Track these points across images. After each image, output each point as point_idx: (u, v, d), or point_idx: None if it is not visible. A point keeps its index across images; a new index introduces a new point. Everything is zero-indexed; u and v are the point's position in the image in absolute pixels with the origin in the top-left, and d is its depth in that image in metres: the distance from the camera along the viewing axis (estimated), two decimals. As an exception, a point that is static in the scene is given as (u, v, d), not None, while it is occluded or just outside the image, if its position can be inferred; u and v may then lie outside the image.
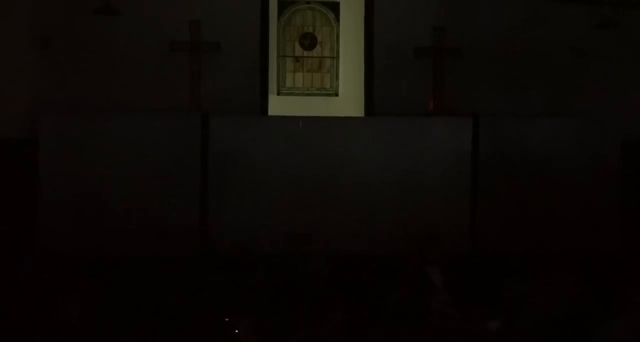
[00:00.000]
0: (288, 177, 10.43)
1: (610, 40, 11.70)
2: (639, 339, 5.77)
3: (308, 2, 12.50)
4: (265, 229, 10.22)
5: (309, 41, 12.55)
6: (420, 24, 11.81)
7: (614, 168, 10.77)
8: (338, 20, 12.52)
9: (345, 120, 11.08)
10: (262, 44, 11.71)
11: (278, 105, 12.01)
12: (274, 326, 6.68)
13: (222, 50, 11.47)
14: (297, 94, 12.52)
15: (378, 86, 11.80)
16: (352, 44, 12.33)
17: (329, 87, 12.61)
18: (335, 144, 10.57)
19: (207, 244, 10.20)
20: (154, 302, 7.59)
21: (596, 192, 10.70)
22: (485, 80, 11.82)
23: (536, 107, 11.71)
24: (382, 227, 10.39)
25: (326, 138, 10.57)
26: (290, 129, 10.53)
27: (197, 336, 6.71)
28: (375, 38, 11.87)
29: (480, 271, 9.45)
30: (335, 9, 12.52)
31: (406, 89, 11.63)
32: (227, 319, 6.27)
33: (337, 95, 12.59)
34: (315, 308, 7.30)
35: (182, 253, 9.85)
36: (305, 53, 12.55)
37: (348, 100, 12.35)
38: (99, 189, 10.15)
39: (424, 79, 11.78)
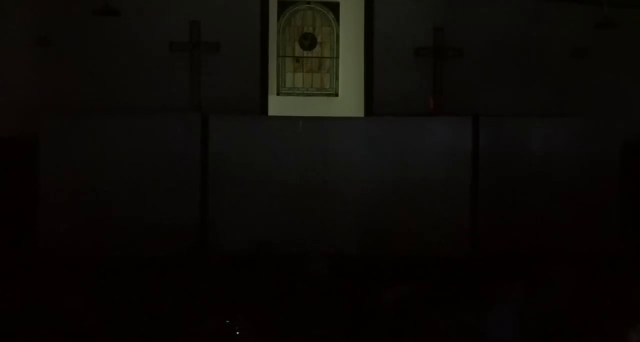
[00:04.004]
0: (288, 177, 10.42)
1: (610, 40, 11.70)
2: (639, 339, 5.77)
3: (308, 2, 12.50)
4: (265, 228, 10.21)
5: (309, 41, 12.55)
6: (420, 24, 11.82)
7: (614, 168, 10.76)
8: (338, 20, 12.52)
9: (345, 120, 11.08)
10: (262, 44, 11.72)
11: (278, 105, 12.02)
12: (274, 326, 6.68)
13: (222, 50, 11.48)
14: (297, 94, 12.53)
15: (378, 86, 11.81)
16: (352, 44, 12.33)
17: (329, 87, 12.61)
18: (335, 144, 10.56)
19: (207, 244, 10.20)
20: (154, 302, 7.59)
21: (596, 192, 10.69)
22: (485, 80, 11.83)
23: (536, 107, 11.71)
24: (381, 227, 10.38)
25: (326, 138, 10.57)
26: (290, 129, 10.52)
27: (197, 336, 6.70)
28: (375, 38, 11.88)
29: (480, 271, 9.44)
30: (335, 9, 12.52)
31: (406, 89, 11.63)
32: (227, 321, 6.27)
33: (337, 95, 12.59)
34: (315, 308, 7.31)
35: (182, 253, 9.84)
36: (305, 53, 12.56)
37: (348, 100, 12.35)
38: (98, 189, 10.15)
39: (424, 79, 11.79)
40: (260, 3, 11.71)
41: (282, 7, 12.39)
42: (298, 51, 12.56)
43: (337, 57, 12.57)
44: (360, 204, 10.48)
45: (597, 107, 11.71)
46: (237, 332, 6.09)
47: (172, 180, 10.27)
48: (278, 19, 12.36)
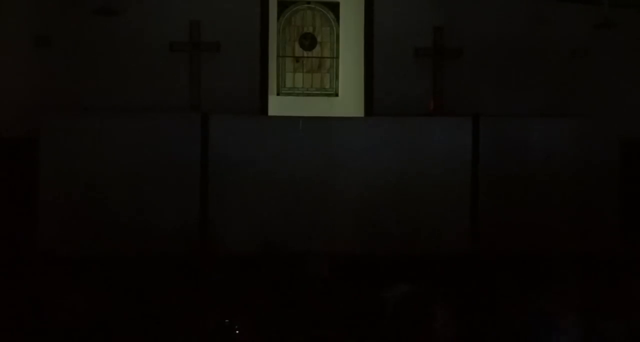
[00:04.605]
0: (288, 177, 10.43)
1: (610, 40, 11.71)
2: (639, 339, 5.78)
3: (308, 2, 12.50)
4: (265, 228, 10.21)
5: (308, 41, 12.55)
6: (420, 24, 11.81)
7: (614, 168, 10.76)
8: (338, 20, 12.52)
9: (345, 120, 11.08)
10: (262, 44, 11.71)
11: (278, 105, 12.01)
12: (274, 326, 6.68)
13: (222, 50, 11.47)
14: (297, 94, 12.52)
15: (378, 86, 11.81)
16: (352, 44, 12.33)
17: (329, 87, 12.61)
18: (335, 144, 10.57)
19: (207, 244, 10.20)
20: (153, 302, 7.59)
21: (596, 192, 10.70)
22: (485, 80, 11.83)
23: (536, 107, 11.71)
24: (382, 227, 10.38)
25: (326, 138, 10.57)
26: (290, 129, 10.52)
27: (196, 336, 6.71)
28: (375, 38, 11.87)
29: (480, 272, 9.44)
30: (335, 9, 12.52)
31: (406, 89, 11.63)
32: (227, 320, 6.27)
33: (337, 95, 12.59)
34: (316, 308, 7.31)
35: (182, 253, 9.84)
36: (305, 53, 12.55)
37: (348, 100, 12.35)
38: (98, 189, 10.15)
39: (424, 79, 11.79)
40: (260, 3, 11.70)
41: (282, 7, 12.39)
42: (298, 51, 12.56)
43: (337, 57, 12.57)
44: (360, 204, 10.49)
45: (597, 107, 11.71)
46: (237, 332, 6.09)
47: (172, 180, 10.28)
48: (278, 19, 12.35)
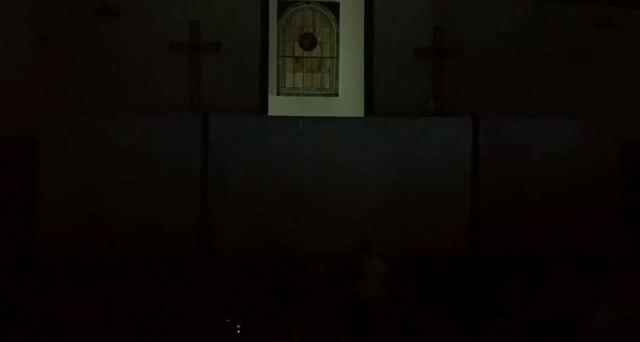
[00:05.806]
0: (288, 177, 10.42)
1: (610, 40, 11.71)
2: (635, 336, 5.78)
3: (308, 2, 12.50)
4: (265, 228, 10.21)
5: (309, 41, 12.55)
6: (420, 24, 11.82)
7: (614, 168, 10.76)
8: (338, 20, 12.52)
9: (345, 120, 11.08)
10: (262, 44, 11.72)
11: (278, 105, 12.02)
12: (273, 326, 6.68)
13: (222, 50, 11.48)
14: (297, 94, 12.53)
15: (378, 86, 11.81)
16: (352, 44, 12.33)
17: (329, 87, 12.61)
18: (335, 144, 10.56)
19: (207, 244, 10.20)
20: (153, 302, 7.59)
21: (596, 192, 10.69)
22: (485, 80, 11.83)
23: (536, 107, 11.72)
24: (381, 227, 10.37)
25: (326, 138, 10.56)
26: (290, 129, 10.52)
27: (197, 336, 6.71)
28: (375, 38, 11.88)
29: (480, 271, 9.45)
30: (335, 9, 12.52)
31: (406, 89, 11.63)
32: (227, 320, 6.28)
33: (337, 95, 12.59)
34: (315, 308, 7.32)
35: (182, 253, 9.84)
36: (305, 53, 12.56)
37: (348, 100, 12.35)
38: (98, 189, 10.14)
39: (424, 79, 11.79)
40: (260, 3, 11.72)
41: (282, 7, 12.40)
42: (298, 51, 12.57)
43: (337, 57, 12.57)
44: (360, 203, 10.47)
45: (597, 107, 11.71)
46: (237, 332, 6.09)
47: (172, 180, 10.27)
48: (278, 19, 12.36)
